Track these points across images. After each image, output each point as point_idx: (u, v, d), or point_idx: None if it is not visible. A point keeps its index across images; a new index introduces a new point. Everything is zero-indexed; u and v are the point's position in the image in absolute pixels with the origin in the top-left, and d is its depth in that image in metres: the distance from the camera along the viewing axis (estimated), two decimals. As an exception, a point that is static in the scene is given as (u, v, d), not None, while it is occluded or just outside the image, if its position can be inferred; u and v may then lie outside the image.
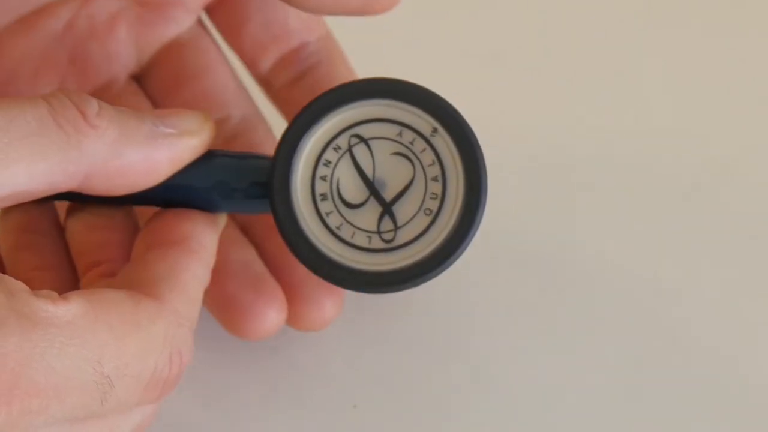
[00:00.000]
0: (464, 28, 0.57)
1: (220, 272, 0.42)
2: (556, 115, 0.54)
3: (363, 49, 0.47)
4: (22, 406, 0.33)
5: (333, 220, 0.38)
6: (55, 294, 0.35)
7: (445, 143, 0.38)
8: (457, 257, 0.38)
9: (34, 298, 0.34)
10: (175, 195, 0.40)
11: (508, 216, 0.45)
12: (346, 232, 0.39)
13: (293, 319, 0.45)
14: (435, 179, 0.38)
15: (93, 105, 0.37)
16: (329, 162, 0.39)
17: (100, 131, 0.37)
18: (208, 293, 0.40)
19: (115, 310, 0.36)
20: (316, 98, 0.39)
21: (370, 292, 0.39)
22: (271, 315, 0.44)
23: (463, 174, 0.38)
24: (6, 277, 0.35)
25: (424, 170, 0.38)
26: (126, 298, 0.36)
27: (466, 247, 0.38)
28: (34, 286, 0.36)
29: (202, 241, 0.40)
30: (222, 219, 0.41)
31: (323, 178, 0.38)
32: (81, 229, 0.42)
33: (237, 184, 0.40)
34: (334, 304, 0.45)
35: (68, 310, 0.35)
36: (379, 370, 0.47)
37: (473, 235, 0.38)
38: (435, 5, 0.52)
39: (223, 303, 0.45)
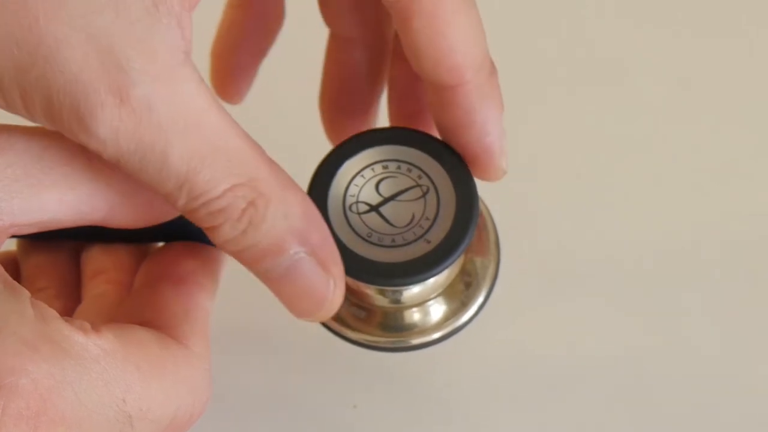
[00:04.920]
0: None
1: None
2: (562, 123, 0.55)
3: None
4: None
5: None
6: (87, 325, 0.35)
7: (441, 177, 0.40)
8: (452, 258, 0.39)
9: (68, 327, 0.34)
10: (185, 230, 0.40)
11: (514, 221, 0.45)
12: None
13: None
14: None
15: None
16: (357, 185, 0.40)
17: None
18: None
19: (143, 351, 0.36)
20: (350, 139, 0.40)
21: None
22: None
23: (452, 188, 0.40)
24: (39, 303, 0.35)
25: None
26: (153, 340, 0.36)
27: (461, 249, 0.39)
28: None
29: (208, 274, 0.40)
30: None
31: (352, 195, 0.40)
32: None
33: None
34: None
35: (99, 344, 0.35)
36: (379, 370, 0.47)
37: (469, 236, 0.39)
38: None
39: None
